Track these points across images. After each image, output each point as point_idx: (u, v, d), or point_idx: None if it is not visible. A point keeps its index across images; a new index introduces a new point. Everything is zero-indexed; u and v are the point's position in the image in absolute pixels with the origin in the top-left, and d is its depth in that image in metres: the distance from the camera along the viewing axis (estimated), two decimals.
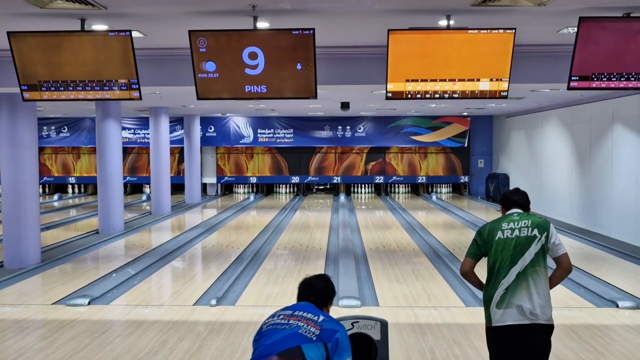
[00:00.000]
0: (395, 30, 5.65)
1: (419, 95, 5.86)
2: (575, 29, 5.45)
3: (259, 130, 20.87)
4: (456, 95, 5.85)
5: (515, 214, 3.69)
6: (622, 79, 5.62)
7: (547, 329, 3.53)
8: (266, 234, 12.57)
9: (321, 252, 10.45)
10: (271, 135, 20.90)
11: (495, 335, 3.60)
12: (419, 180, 21.46)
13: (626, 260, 9.66)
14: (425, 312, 6.79)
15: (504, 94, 5.88)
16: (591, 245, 11.10)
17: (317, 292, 3.05)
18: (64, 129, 21.28)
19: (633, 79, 5.63)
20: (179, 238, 12.08)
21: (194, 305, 7.14)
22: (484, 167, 21.20)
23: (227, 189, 22.31)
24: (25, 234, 9.30)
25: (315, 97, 5.86)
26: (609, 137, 12.18)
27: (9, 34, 5.73)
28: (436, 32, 5.73)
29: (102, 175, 12.51)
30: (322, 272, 3.31)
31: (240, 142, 20.96)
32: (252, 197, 20.63)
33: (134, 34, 6.19)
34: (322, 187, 22.63)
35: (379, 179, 21.40)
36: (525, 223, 3.59)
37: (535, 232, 3.55)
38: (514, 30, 5.57)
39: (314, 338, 2.74)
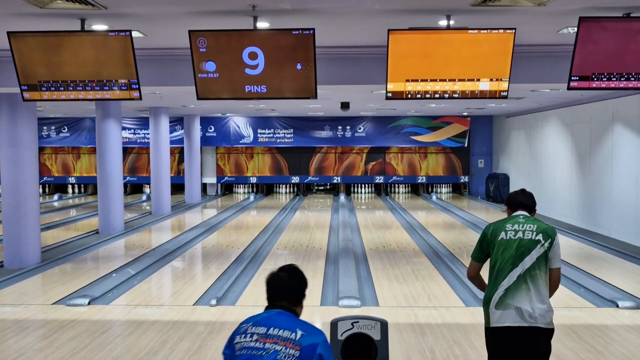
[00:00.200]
0: (395, 30, 5.65)
1: (419, 95, 5.86)
2: (575, 29, 5.45)
3: (259, 130, 20.87)
4: (456, 95, 5.85)
5: (521, 217, 3.67)
6: (622, 79, 5.62)
7: (547, 333, 3.52)
8: (266, 234, 12.57)
9: (321, 252, 10.45)
10: (271, 135, 20.90)
11: (493, 336, 3.60)
12: (419, 180, 21.46)
13: (626, 260, 9.66)
14: (425, 312, 6.79)
15: (504, 94, 5.88)
16: (591, 245, 11.10)
17: (288, 293, 2.72)
18: (64, 129, 21.28)
19: (633, 79, 5.63)
20: (179, 238, 12.08)
21: (194, 305, 7.14)
22: (484, 167, 21.20)
23: (227, 189, 22.31)
24: (25, 234, 9.30)
25: (315, 97, 5.86)
26: (609, 137, 12.18)
27: (9, 34, 5.73)
28: (436, 32, 5.73)
29: (102, 175, 12.51)
30: (290, 264, 2.85)
31: (240, 142, 20.96)
32: (252, 197, 20.63)
33: (134, 34, 6.19)
34: (322, 187, 22.63)
35: (379, 179, 21.40)
36: (530, 227, 3.58)
37: (540, 237, 3.54)
38: (514, 30, 5.57)
39: None
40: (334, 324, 3.28)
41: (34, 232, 9.45)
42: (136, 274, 8.80)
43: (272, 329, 2.57)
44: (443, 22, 5.77)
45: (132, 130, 20.91)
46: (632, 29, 5.40)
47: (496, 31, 5.60)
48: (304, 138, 20.89)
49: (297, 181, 21.52)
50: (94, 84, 5.94)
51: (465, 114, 19.84)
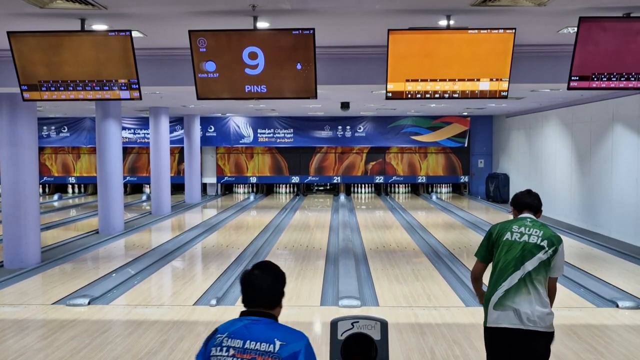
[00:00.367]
0: (395, 30, 5.65)
1: (419, 95, 5.86)
2: (575, 29, 5.45)
3: (259, 130, 20.87)
4: (456, 95, 5.85)
5: (529, 220, 3.66)
6: (622, 79, 5.62)
7: (546, 336, 3.51)
8: (266, 234, 12.57)
9: (321, 252, 10.45)
10: (271, 135, 20.90)
11: (490, 336, 3.61)
12: (419, 180, 21.46)
13: (626, 260, 9.66)
14: (425, 312, 6.79)
15: (504, 94, 5.88)
16: (591, 245, 11.10)
17: (263, 296, 2.51)
18: (64, 129, 21.28)
19: (633, 79, 5.63)
20: (179, 238, 12.08)
21: (194, 305, 7.14)
22: (484, 167, 21.20)
23: (227, 189, 22.31)
24: (25, 234, 9.30)
25: (315, 97, 5.86)
26: (609, 137, 12.18)
27: (9, 34, 5.73)
28: (436, 32, 5.73)
29: (102, 175, 12.51)
30: (264, 261, 2.65)
31: (240, 142, 20.96)
32: (252, 197, 20.64)
33: (134, 34, 6.19)
34: (322, 187, 22.63)
35: (379, 179, 21.40)
36: (536, 232, 3.57)
37: (544, 243, 3.53)
38: (514, 30, 5.57)
39: None
40: (334, 324, 3.27)
41: (34, 232, 9.45)
42: (136, 274, 8.80)
43: (248, 342, 2.40)
44: (443, 22, 5.77)
45: (132, 130, 20.91)
46: (632, 29, 5.40)
47: (496, 31, 5.60)
48: (304, 138, 20.89)
49: (297, 181, 21.52)
50: (94, 84, 5.94)
51: (465, 114, 19.84)
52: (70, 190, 22.70)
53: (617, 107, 11.88)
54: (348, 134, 20.85)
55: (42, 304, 7.18)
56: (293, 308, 6.96)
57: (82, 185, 22.66)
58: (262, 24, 5.85)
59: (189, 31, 5.63)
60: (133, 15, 5.70)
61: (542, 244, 3.52)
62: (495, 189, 19.14)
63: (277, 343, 2.38)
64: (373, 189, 22.10)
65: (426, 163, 21.40)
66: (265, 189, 21.98)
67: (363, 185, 22.01)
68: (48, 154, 21.83)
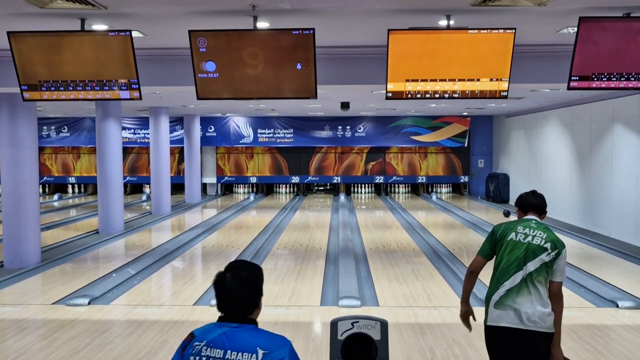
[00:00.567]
0: (395, 30, 5.65)
1: (419, 95, 5.86)
2: (575, 29, 5.45)
3: (259, 130, 20.87)
4: (456, 95, 5.85)
5: (534, 222, 3.67)
6: (622, 79, 5.62)
7: (547, 337, 3.52)
8: (266, 234, 12.57)
9: (321, 252, 10.45)
10: (271, 135, 20.90)
11: (489, 334, 3.62)
12: (419, 180, 21.46)
13: (626, 260, 9.66)
14: (425, 312, 6.79)
15: (504, 94, 5.88)
16: (591, 245, 11.10)
17: (240, 302, 2.34)
18: (64, 129, 21.28)
19: (633, 79, 5.63)
20: (179, 238, 12.08)
21: (194, 305, 7.14)
22: (484, 167, 21.20)
23: (227, 189, 22.31)
24: (25, 234, 9.30)
25: (315, 97, 5.86)
26: (609, 137, 12.18)
27: (9, 34, 5.73)
28: (436, 32, 5.73)
29: (102, 175, 12.51)
30: (238, 261, 2.48)
31: (240, 142, 20.96)
32: (252, 197, 20.64)
33: (134, 34, 6.19)
34: (322, 187, 22.63)
35: (379, 179, 21.41)
36: (540, 234, 3.57)
37: (548, 245, 3.53)
38: (514, 30, 5.57)
39: None
40: (334, 324, 3.27)
41: (34, 232, 9.45)
42: (136, 274, 8.80)
43: (229, 352, 2.26)
44: (443, 22, 5.77)
45: (132, 130, 20.91)
46: (632, 29, 5.40)
47: (496, 31, 5.60)
48: (304, 138, 20.89)
49: (297, 181, 21.53)
50: (94, 84, 5.94)
51: (465, 114, 19.84)
52: (70, 190, 22.70)
53: (617, 107, 11.88)
54: (348, 134, 20.86)
55: (42, 304, 7.18)
56: (293, 308, 6.97)
57: (82, 185, 22.66)
58: (262, 24, 5.85)
59: (189, 31, 5.63)
60: (133, 15, 5.70)
61: (545, 245, 3.53)
62: (495, 189, 19.14)
63: (260, 352, 2.25)
64: (373, 189, 22.10)
65: (426, 163, 21.40)
66: (265, 189, 21.98)
67: (363, 185, 22.01)
68: (48, 154, 21.83)
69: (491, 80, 5.82)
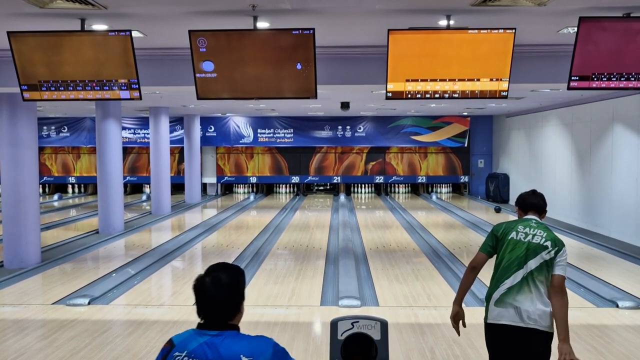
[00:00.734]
0: (395, 30, 5.65)
1: (419, 95, 5.86)
2: (575, 29, 5.45)
3: (259, 130, 20.87)
4: (456, 95, 5.85)
5: (534, 221, 3.68)
6: (622, 79, 5.62)
7: (546, 336, 3.52)
8: (266, 234, 12.57)
9: (321, 252, 10.45)
10: (271, 135, 20.90)
11: (489, 332, 3.63)
12: (419, 180, 21.46)
13: (626, 260, 9.66)
14: (425, 312, 6.79)
15: (504, 94, 5.88)
16: (591, 245, 11.10)
17: (221, 308, 2.23)
18: (64, 129, 21.28)
19: (633, 79, 5.63)
20: (179, 238, 12.08)
21: (194, 305, 7.11)
22: (484, 167, 21.20)
23: (227, 188, 22.31)
24: (25, 234, 9.30)
25: (315, 97, 5.86)
26: (609, 137, 12.18)
27: (9, 34, 5.73)
28: (436, 32, 5.73)
29: (102, 175, 12.51)
30: (219, 264, 2.31)
31: (240, 142, 20.96)
32: (252, 197, 20.64)
33: (134, 34, 6.19)
34: (322, 187, 22.63)
35: (379, 179, 21.41)
36: (540, 233, 3.59)
37: (548, 243, 3.54)
38: (514, 30, 5.57)
39: None
40: (334, 324, 3.27)
41: (34, 232, 9.45)
42: (136, 274, 8.80)
43: None
44: (443, 22, 5.77)
45: (132, 130, 20.91)
46: (632, 29, 5.40)
47: (496, 31, 5.60)
48: (304, 138, 20.89)
49: (297, 181, 21.53)
50: (94, 84, 5.94)
51: (465, 114, 19.84)
52: (70, 190, 22.70)
53: (617, 107, 11.88)
54: (348, 134, 20.86)
55: (42, 304, 7.18)
56: (293, 308, 6.97)
57: (82, 185, 22.67)
58: (262, 24, 5.85)
59: (189, 31, 5.63)
60: (133, 15, 5.69)
61: (545, 244, 3.55)
62: (495, 189, 19.14)
63: None
64: (373, 189, 22.10)
65: (426, 163, 21.40)
66: (265, 189, 21.98)
67: (363, 185, 22.01)
68: (48, 154, 21.83)
69: (491, 80, 5.82)
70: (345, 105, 13.87)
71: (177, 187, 20.55)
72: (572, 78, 5.62)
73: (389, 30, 5.62)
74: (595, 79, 5.62)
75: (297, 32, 5.55)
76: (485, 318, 3.65)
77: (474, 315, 6.58)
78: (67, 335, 6.01)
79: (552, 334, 3.54)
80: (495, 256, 3.74)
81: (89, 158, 21.74)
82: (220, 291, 2.22)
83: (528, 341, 3.49)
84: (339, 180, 21.55)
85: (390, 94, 5.91)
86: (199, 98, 5.96)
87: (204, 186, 21.62)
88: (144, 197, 20.55)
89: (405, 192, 21.99)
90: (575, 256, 9.85)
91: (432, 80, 5.81)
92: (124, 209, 13.71)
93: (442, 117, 20.36)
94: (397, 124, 20.61)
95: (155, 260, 9.69)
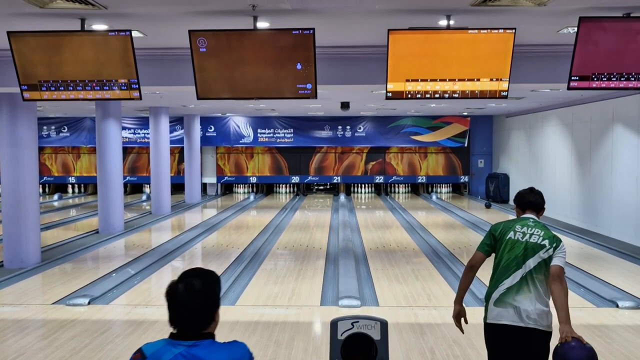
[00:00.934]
0: (395, 30, 5.65)
1: (419, 95, 5.86)
2: (575, 29, 5.45)
3: (259, 130, 20.87)
4: (456, 95, 5.85)
5: (531, 220, 3.69)
6: (622, 79, 5.62)
7: (545, 335, 3.52)
8: (266, 234, 12.57)
9: (321, 252, 10.45)
10: (271, 135, 20.90)
11: (489, 332, 3.63)
12: (419, 180, 21.46)
13: (626, 260, 9.66)
14: (425, 312, 6.79)
15: (504, 94, 5.88)
16: (591, 245, 11.10)
17: (195, 317, 2.12)
18: (64, 129, 21.28)
19: (633, 79, 5.62)
20: (179, 238, 12.07)
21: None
22: (484, 167, 21.20)
23: (227, 188, 22.32)
24: (25, 233, 9.30)
25: (315, 97, 5.86)
26: (609, 137, 12.18)
27: (9, 33, 5.73)
28: (436, 32, 5.73)
29: (102, 175, 12.51)
30: (193, 270, 2.25)
31: (240, 142, 20.96)
32: (252, 197, 20.63)
33: (134, 34, 6.19)
34: (322, 187, 22.63)
35: (379, 179, 21.40)
36: (538, 232, 3.60)
37: (546, 242, 3.55)
38: (514, 30, 5.57)
39: None
40: (334, 324, 3.27)
41: (34, 232, 9.45)
42: (136, 273, 8.80)
43: None
44: (443, 22, 5.77)
45: (132, 130, 20.91)
46: (632, 29, 5.40)
47: (496, 31, 5.60)
48: (304, 138, 20.89)
49: (297, 181, 21.52)
50: (94, 84, 5.94)
51: (465, 114, 19.84)
52: (70, 190, 22.71)
53: (617, 107, 11.88)
54: (348, 134, 20.85)
55: (42, 304, 7.18)
56: (293, 308, 6.97)
57: (82, 185, 22.67)
58: (262, 24, 5.85)
59: (189, 31, 5.62)
60: (133, 15, 5.69)
61: (543, 243, 3.55)
62: (495, 188, 19.14)
63: None
64: (373, 189, 22.10)
65: (426, 163, 21.40)
66: (265, 188, 21.98)
67: (363, 185, 22.01)
68: (48, 154, 21.83)
69: (491, 80, 5.82)
70: (345, 105, 13.87)
71: (177, 187, 20.54)
72: (572, 78, 5.62)
73: (389, 30, 5.62)
74: (595, 79, 5.62)
75: (297, 32, 5.55)
76: (485, 318, 3.65)
77: (474, 315, 6.56)
78: (67, 335, 6.01)
79: (551, 334, 3.55)
80: (494, 256, 3.74)
81: (89, 158, 21.74)
82: (194, 298, 2.11)
83: (528, 341, 3.50)
84: (339, 180, 21.55)
85: (390, 94, 5.91)
86: (199, 98, 5.96)
87: (204, 186, 21.62)
88: (144, 197, 20.55)
89: (405, 192, 21.99)
90: (575, 256, 9.85)
91: (432, 80, 5.81)
92: (124, 209, 13.71)
93: (442, 117, 20.35)
94: (397, 124, 20.61)
95: (155, 260, 9.69)
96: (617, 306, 6.93)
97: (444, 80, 5.80)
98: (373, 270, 8.91)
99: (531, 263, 3.53)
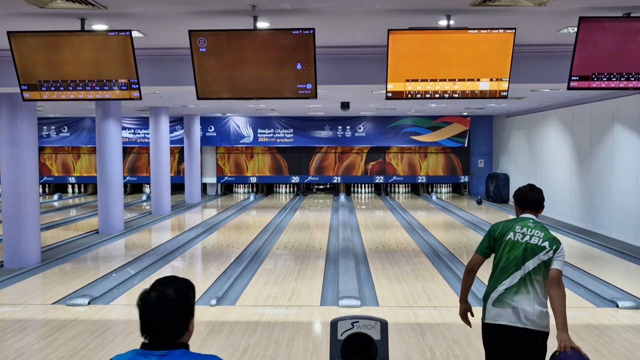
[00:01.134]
0: (395, 30, 5.65)
1: (419, 95, 5.86)
2: (575, 29, 5.45)
3: (259, 130, 20.87)
4: (456, 95, 5.85)
5: (531, 221, 3.68)
6: (622, 79, 5.62)
7: (543, 336, 3.53)
8: (266, 233, 12.57)
9: (321, 252, 10.45)
10: (271, 135, 20.91)
11: (487, 332, 3.64)
12: (419, 180, 21.46)
13: (626, 260, 9.66)
14: (425, 312, 6.79)
15: (504, 94, 5.88)
16: (591, 245, 11.10)
17: (167, 327, 2.07)
18: (64, 129, 21.29)
19: (633, 79, 5.62)
20: (179, 238, 12.08)
21: None
22: (484, 167, 21.20)
23: (227, 188, 22.32)
24: (25, 234, 9.30)
25: (315, 97, 5.86)
26: (609, 137, 12.18)
27: (9, 33, 5.73)
28: (436, 32, 5.73)
29: (102, 175, 12.51)
30: (165, 278, 2.17)
31: (240, 142, 20.96)
32: (252, 197, 20.63)
33: (134, 34, 6.19)
34: (322, 187, 22.63)
35: (379, 179, 21.41)
36: (538, 233, 3.59)
37: (546, 244, 3.54)
38: (514, 30, 5.57)
39: None
40: (334, 324, 3.27)
41: (34, 232, 9.45)
42: (136, 273, 8.80)
43: None
44: (443, 22, 5.77)
45: (132, 130, 20.91)
46: (632, 29, 5.40)
47: (496, 31, 5.60)
48: (304, 138, 20.89)
49: (297, 181, 21.53)
50: (94, 84, 5.94)
51: (465, 114, 19.85)
52: (70, 190, 22.71)
53: (617, 107, 11.88)
54: (348, 134, 20.86)
55: (42, 304, 7.18)
56: (293, 308, 6.97)
57: (82, 185, 22.67)
58: (262, 24, 5.85)
59: (189, 31, 5.63)
60: (133, 15, 5.69)
61: (543, 244, 3.54)
62: (495, 188, 19.14)
63: None
64: (373, 189, 22.10)
65: (426, 163, 21.40)
66: (265, 189, 21.98)
67: (363, 185, 22.01)
68: (48, 154, 21.83)
69: (491, 80, 5.82)
70: (345, 105, 13.87)
71: (177, 187, 20.55)
72: (572, 78, 5.62)
73: (389, 30, 5.62)
74: (595, 79, 5.62)
75: (297, 32, 5.55)
76: (483, 318, 3.65)
77: (474, 315, 6.59)
78: (67, 335, 6.01)
79: (548, 334, 3.56)
80: (493, 255, 3.75)
81: (89, 158, 21.74)
82: (167, 307, 2.04)
83: (526, 341, 3.50)
84: (339, 180, 21.55)
85: (390, 94, 5.91)
86: (199, 98, 5.96)
87: (204, 186, 21.63)
88: (144, 197, 20.55)
89: (405, 192, 21.99)
90: (575, 256, 9.86)
91: (432, 80, 5.81)
92: (124, 209, 13.72)
93: (442, 117, 20.36)
94: (397, 124, 20.61)
95: (155, 260, 9.69)
96: (617, 306, 6.93)
97: (444, 80, 5.80)
98: (373, 270, 8.91)
99: (530, 264, 3.53)
